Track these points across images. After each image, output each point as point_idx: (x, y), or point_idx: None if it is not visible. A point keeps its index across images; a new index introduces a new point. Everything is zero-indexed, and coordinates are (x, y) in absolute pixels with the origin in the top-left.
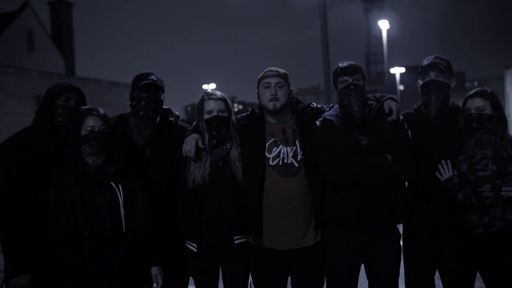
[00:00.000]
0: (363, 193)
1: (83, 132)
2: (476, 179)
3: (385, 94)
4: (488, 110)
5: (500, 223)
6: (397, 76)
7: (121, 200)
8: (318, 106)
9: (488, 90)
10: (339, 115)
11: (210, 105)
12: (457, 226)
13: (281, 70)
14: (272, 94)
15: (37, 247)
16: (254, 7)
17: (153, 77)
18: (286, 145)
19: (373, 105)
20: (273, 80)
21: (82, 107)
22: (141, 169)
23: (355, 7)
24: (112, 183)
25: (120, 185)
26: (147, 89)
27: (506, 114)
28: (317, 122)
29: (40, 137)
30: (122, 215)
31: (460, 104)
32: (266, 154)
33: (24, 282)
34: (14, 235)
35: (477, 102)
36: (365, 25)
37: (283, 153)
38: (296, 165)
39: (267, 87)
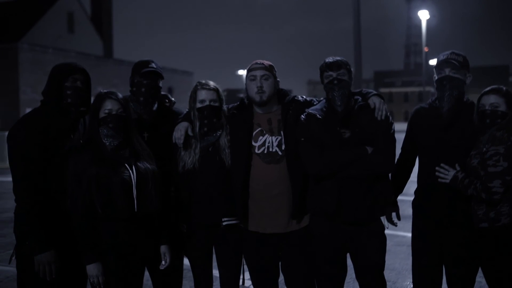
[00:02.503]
0: (343, 184)
1: (101, 114)
2: (486, 175)
3: (371, 91)
4: (502, 107)
5: (505, 219)
6: None
7: (134, 181)
8: (307, 99)
9: (504, 88)
10: (324, 109)
11: (203, 95)
12: (463, 219)
13: (267, 63)
14: (258, 87)
15: (59, 223)
16: None
17: (153, 65)
18: (272, 134)
19: (358, 100)
20: (258, 73)
21: (101, 90)
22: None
23: None
24: (126, 164)
25: (134, 167)
26: (147, 77)
27: None
28: (302, 116)
29: (53, 118)
30: (135, 196)
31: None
32: (253, 143)
33: (50, 258)
34: (39, 211)
35: (492, 99)
36: (406, 15)
37: (268, 142)
38: (280, 153)
39: (253, 80)
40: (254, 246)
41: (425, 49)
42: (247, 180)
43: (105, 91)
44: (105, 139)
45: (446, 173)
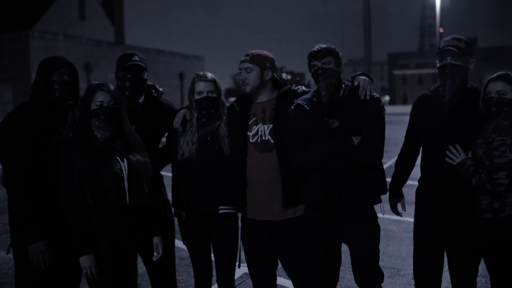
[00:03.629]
0: (331, 175)
1: (93, 106)
2: (492, 165)
3: (359, 72)
4: (509, 95)
5: (510, 210)
6: None
7: (125, 174)
8: (306, 89)
9: None
10: (314, 99)
11: (200, 87)
12: (467, 210)
13: (252, 53)
14: (241, 79)
15: (52, 215)
16: None
17: (136, 58)
18: (264, 123)
19: (348, 86)
20: (242, 66)
21: (93, 82)
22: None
23: None
24: (118, 157)
25: (125, 159)
26: (131, 70)
27: None
28: (291, 107)
29: (41, 112)
30: (126, 189)
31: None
32: (248, 133)
33: (42, 248)
34: (30, 201)
35: (499, 86)
36: None
37: (261, 131)
38: (272, 141)
39: (240, 72)
40: (250, 234)
41: (440, 30)
42: (244, 169)
43: (96, 82)
44: (97, 131)
45: (456, 156)
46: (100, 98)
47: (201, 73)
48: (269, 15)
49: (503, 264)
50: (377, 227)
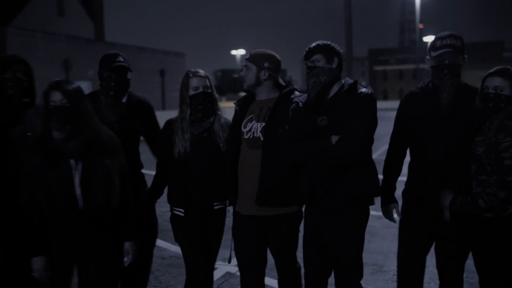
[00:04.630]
0: (315, 174)
1: (49, 106)
2: (502, 168)
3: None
4: (507, 91)
5: None
6: None
7: (76, 178)
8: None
9: (511, 69)
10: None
11: (196, 82)
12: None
13: (253, 52)
14: (242, 76)
15: (8, 213)
16: None
17: (120, 58)
18: (258, 121)
19: (347, 83)
20: (243, 63)
21: (52, 80)
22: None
23: None
24: (74, 158)
25: (81, 162)
26: (116, 71)
27: None
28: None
29: None
30: (78, 193)
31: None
32: (242, 129)
33: None
34: None
35: (497, 81)
36: None
37: (254, 128)
38: (262, 139)
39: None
40: (237, 227)
41: (420, 26)
42: (236, 164)
43: (56, 79)
44: (54, 131)
45: (445, 202)
46: (53, 97)
47: (193, 69)
48: (250, 11)
49: (503, 262)
50: (358, 229)
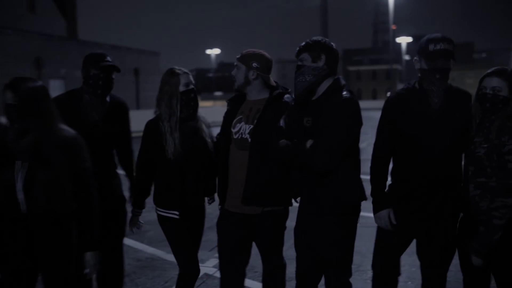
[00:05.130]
0: (300, 174)
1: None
2: (506, 171)
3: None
4: (504, 92)
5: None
6: (403, 46)
7: (19, 180)
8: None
9: (509, 70)
10: None
11: (186, 78)
12: (451, 209)
13: (244, 52)
14: (233, 76)
15: None
16: None
17: (108, 58)
18: (247, 122)
19: (338, 83)
20: (234, 63)
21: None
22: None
23: None
24: (21, 160)
25: (27, 164)
26: (105, 70)
27: None
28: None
29: None
30: (20, 197)
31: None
32: (232, 129)
33: None
34: None
35: (495, 82)
36: None
37: (242, 129)
38: (249, 140)
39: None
40: (224, 224)
41: (393, 27)
42: (225, 164)
43: (13, 77)
44: (9, 131)
45: None
46: (6, 96)
47: (177, 68)
48: (226, 10)
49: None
50: (341, 233)
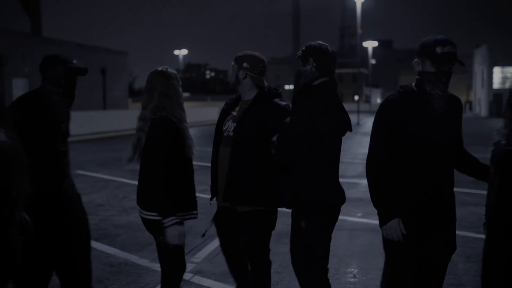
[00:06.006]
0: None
1: None
2: None
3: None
4: None
5: None
6: (370, 50)
7: None
8: (284, 104)
9: None
10: None
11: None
12: (454, 217)
13: (240, 53)
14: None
15: None
16: None
17: (75, 61)
18: (234, 121)
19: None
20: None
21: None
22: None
23: None
24: None
25: None
26: (77, 72)
27: (472, 93)
28: None
29: None
30: None
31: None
32: (223, 127)
33: None
34: None
35: None
36: None
37: (229, 127)
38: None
39: None
40: (218, 216)
41: (359, 30)
42: (216, 160)
43: None
44: None
45: None
46: None
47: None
48: (194, 11)
49: None
50: (299, 233)
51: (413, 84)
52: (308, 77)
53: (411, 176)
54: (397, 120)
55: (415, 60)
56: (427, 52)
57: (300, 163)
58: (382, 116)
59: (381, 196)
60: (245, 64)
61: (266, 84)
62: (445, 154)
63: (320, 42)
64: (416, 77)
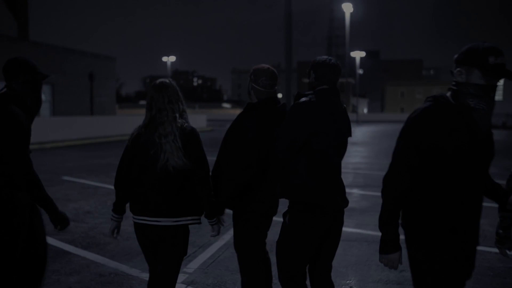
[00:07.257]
0: None
1: None
2: None
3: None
4: None
5: None
6: (357, 60)
7: None
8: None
9: None
10: None
11: None
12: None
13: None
14: None
15: None
16: None
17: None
18: None
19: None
20: None
21: None
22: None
23: None
24: None
25: None
26: (43, 78)
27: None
28: None
29: None
30: None
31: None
32: None
33: None
34: None
35: None
36: (329, 6)
37: None
38: None
39: None
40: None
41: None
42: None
43: None
44: None
45: None
46: None
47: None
48: (183, 19)
49: None
50: (288, 228)
51: (449, 94)
52: (310, 89)
53: (448, 209)
54: (434, 139)
55: (458, 69)
56: (477, 62)
57: (295, 160)
58: (409, 134)
59: (390, 223)
60: (252, 77)
61: (277, 97)
62: (482, 177)
63: (324, 57)
64: (452, 87)
